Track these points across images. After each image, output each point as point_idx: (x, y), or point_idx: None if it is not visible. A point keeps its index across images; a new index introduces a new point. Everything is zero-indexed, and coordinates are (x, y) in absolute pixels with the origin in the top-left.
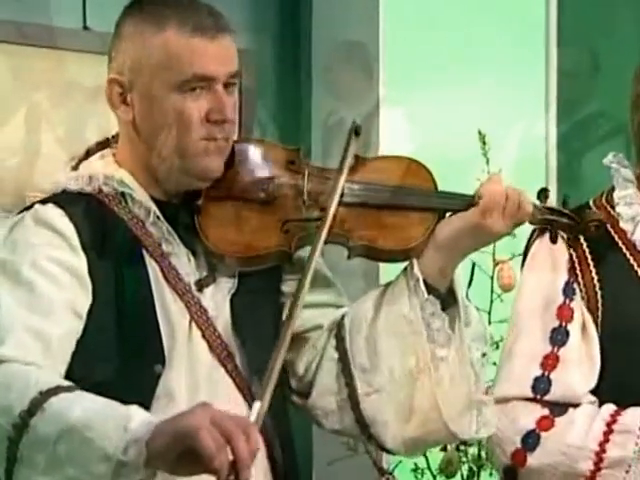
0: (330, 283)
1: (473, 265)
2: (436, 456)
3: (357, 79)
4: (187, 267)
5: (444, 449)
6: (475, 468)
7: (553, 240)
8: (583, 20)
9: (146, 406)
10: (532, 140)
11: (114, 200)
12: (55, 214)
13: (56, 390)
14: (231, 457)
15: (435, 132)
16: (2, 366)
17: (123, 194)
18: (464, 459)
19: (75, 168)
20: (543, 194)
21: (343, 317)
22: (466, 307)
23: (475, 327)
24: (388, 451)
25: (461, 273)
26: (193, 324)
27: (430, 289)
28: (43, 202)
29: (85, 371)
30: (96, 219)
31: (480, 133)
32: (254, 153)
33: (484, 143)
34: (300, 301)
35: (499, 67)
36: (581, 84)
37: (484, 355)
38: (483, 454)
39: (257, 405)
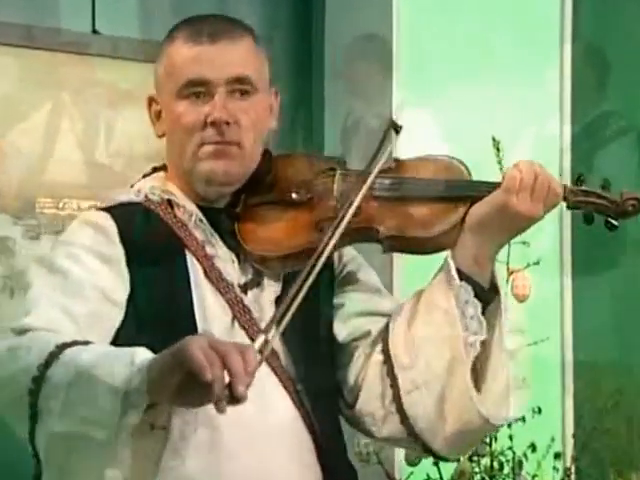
0: (381, 292)
1: None
2: (449, 466)
3: (370, 79)
4: (231, 270)
5: (457, 459)
6: (487, 479)
7: (588, 221)
8: (597, 20)
9: None
10: (546, 140)
11: (160, 206)
12: (99, 215)
13: (72, 344)
14: (227, 379)
15: (449, 132)
16: (27, 333)
17: (169, 201)
18: (477, 469)
19: (131, 187)
20: (579, 178)
21: (389, 320)
22: (505, 299)
23: (513, 319)
24: (435, 454)
25: None
26: (236, 322)
27: (466, 279)
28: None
29: None
30: (140, 221)
31: (494, 140)
32: (291, 162)
33: (498, 150)
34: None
35: (513, 67)
36: (595, 83)
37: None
38: (496, 464)
39: (261, 337)
